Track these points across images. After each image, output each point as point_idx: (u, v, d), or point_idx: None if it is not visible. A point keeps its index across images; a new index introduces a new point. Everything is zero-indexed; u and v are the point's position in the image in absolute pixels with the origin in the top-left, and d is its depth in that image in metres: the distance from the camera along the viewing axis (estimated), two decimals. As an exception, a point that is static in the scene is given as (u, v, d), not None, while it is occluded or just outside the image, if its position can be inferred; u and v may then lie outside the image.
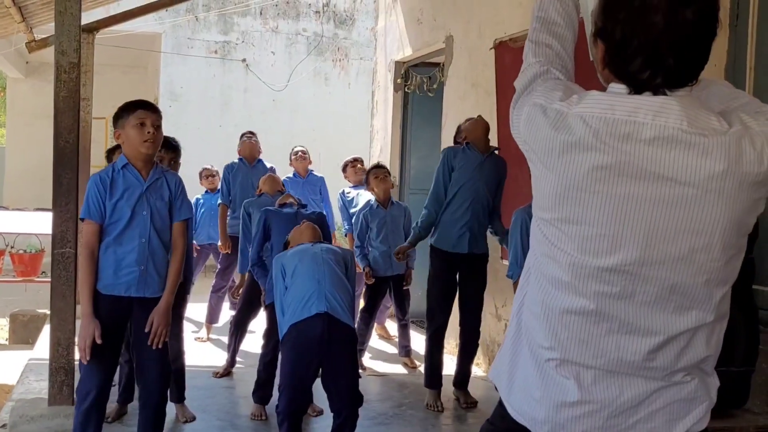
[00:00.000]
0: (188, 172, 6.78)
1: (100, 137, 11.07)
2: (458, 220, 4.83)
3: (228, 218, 6.43)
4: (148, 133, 3.33)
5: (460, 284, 4.96)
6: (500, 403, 1.75)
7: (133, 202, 3.33)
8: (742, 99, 1.61)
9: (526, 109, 1.62)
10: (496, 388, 1.80)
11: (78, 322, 3.54)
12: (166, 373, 3.49)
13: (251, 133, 6.68)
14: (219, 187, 6.85)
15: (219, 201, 6.54)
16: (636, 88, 1.53)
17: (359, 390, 3.65)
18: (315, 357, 3.55)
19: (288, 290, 3.66)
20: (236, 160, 6.54)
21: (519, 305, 1.71)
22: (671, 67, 1.50)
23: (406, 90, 7.87)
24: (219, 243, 6.48)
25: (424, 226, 4.91)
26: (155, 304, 3.38)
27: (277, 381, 4.63)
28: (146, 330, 3.35)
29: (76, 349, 3.71)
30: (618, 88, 1.55)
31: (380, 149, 8.39)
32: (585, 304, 1.54)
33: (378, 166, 5.95)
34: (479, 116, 5.03)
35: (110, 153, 4.50)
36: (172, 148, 4.38)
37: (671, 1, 1.47)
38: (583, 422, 1.59)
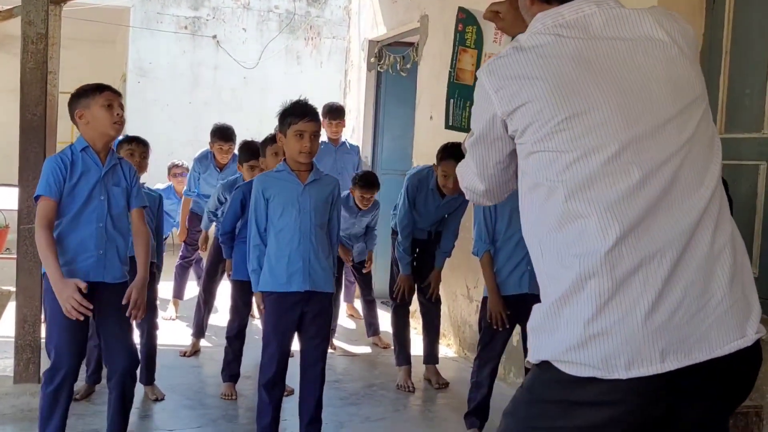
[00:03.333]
0: (156, 148, 6.63)
1: (67, 113, 10.86)
2: (421, 230, 4.90)
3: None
4: (117, 114, 3.29)
5: (417, 258, 4.95)
6: (542, 369, 1.64)
7: (90, 186, 3.27)
8: None
9: (485, 87, 1.73)
10: (537, 366, 1.67)
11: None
12: (134, 353, 3.44)
13: (225, 140, 6.08)
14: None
15: (184, 190, 6.37)
16: None
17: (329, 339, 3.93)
18: (295, 315, 3.68)
19: (271, 247, 3.63)
20: (208, 155, 6.20)
21: (555, 253, 1.63)
22: None
23: (379, 69, 7.81)
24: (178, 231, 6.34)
25: (408, 252, 4.85)
26: (118, 287, 3.32)
27: (244, 359, 4.65)
28: (124, 302, 3.28)
29: (42, 327, 3.66)
30: (550, 10, 1.72)
31: (353, 129, 8.33)
32: (632, 178, 1.57)
33: (369, 184, 5.62)
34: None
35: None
36: (143, 142, 4.41)
37: None
38: (663, 336, 1.53)
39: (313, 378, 3.74)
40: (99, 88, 3.34)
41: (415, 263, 4.93)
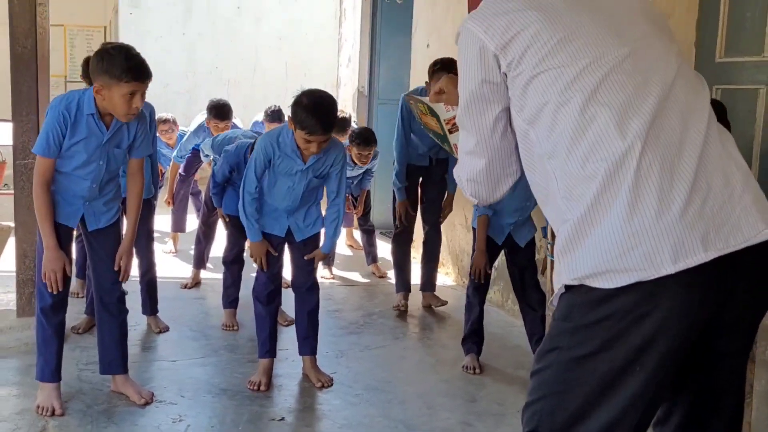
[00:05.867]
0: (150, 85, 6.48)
1: (59, 45, 10.67)
2: (418, 149, 4.85)
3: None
4: (135, 107, 3.13)
5: (421, 189, 4.95)
6: (576, 293, 1.59)
7: (90, 151, 3.21)
8: None
9: (473, 32, 1.74)
10: (568, 289, 1.62)
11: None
12: (120, 283, 3.47)
13: (221, 119, 5.80)
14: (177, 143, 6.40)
15: (174, 155, 6.21)
16: None
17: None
18: (282, 242, 3.82)
19: (263, 194, 3.69)
20: (205, 129, 5.93)
21: (573, 170, 1.61)
22: None
23: (375, -3, 7.67)
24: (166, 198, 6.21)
25: (400, 179, 4.82)
26: (108, 228, 3.38)
27: (245, 290, 4.67)
28: (116, 269, 3.37)
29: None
30: None
31: (349, 58, 8.24)
32: (637, 80, 1.64)
33: (366, 142, 5.48)
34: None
35: (87, 64, 4.27)
36: None
37: None
38: (701, 226, 1.53)
39: (305, 298, 3.84)
40: (129, 73, 3.04)
41: (417, 190, 4.93)
